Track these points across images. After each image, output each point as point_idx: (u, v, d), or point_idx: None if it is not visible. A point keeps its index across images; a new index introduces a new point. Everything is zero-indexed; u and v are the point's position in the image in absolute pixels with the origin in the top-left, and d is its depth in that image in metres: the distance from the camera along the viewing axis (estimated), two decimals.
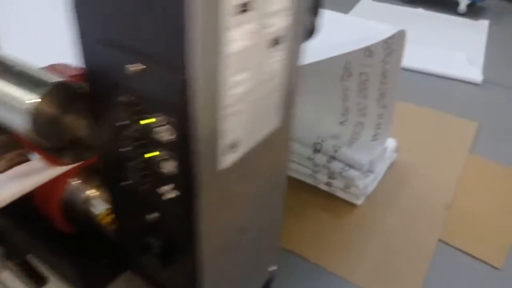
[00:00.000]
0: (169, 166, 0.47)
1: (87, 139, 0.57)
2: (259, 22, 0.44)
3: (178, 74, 0.40)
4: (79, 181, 0.70)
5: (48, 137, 0.53)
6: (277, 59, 0.50)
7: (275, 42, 0.48)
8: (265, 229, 0.71)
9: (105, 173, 0.62)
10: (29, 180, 0.59)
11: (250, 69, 0.46)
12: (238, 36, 0.42)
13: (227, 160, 0.49)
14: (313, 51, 0.93)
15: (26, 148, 0.63)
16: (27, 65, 0.54)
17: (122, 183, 0.55)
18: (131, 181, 0.54)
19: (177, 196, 0.48)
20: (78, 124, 0.55)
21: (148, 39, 0.41)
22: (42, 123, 0.50)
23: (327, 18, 1.14)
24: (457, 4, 2.60)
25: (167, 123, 0.44)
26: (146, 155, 0.49)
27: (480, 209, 1.32)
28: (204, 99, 0.41)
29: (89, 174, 0.70)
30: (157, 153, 0.47)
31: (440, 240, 1.20)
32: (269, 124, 0.55)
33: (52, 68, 0.59)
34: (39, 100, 0.49)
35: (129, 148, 0.50)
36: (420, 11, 2.62)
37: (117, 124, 0.50)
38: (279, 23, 0.47)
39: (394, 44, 1.08)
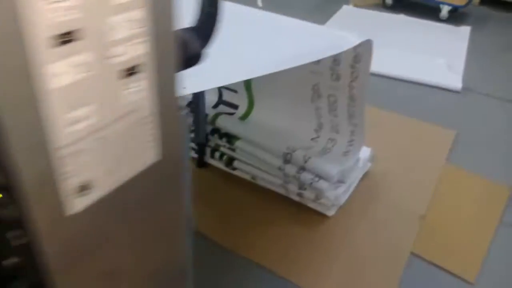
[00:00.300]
0: (10, 211, 0.43)
1: None
2: (97, 52, 0.40)
3: None
4: None
5: None
6: (136, 89, 0.45)
7: (129, 72, 0.44)
8: (162, 275, 0.67)
9: None
10: None
11: (95, 103, 0.41)
12: (64, 69, 0.38)
13: (78, 204, 0.45)
14: (280, 59, 0.90)
15: None
16: None
17: None
18: None
19: (27, 242, 0.45)
20: None
21: None
22: None
23: (295, 26, 1.11)
24: (439, 10, 2.59)
25: None
26: None
27: (455, 221, 1.29)
28: (25, 141, 0.37)
29: None
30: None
31: (413, 253, 1.17)
32: (141, 159, 0.51)
33: None
34: None
35: None
36: (401, 17, 2.61)
37: None
38: (132, 52, 0.44)
39: (362, 56, 1.06)
